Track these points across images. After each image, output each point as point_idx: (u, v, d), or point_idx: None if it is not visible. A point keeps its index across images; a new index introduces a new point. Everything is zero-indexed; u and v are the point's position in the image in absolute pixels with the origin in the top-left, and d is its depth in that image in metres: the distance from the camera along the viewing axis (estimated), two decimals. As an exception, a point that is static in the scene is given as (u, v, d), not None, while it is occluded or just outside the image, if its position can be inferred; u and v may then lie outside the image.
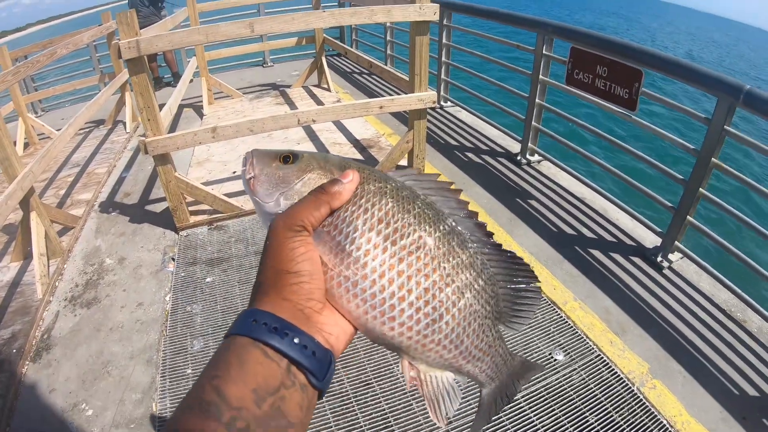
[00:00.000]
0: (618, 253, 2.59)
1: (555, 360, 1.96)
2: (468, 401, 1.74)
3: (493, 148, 3.91)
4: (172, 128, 4.52)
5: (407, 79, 3.12)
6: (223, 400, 0.29)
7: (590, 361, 1.96)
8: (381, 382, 1.88)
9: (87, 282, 2.57)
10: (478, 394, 0.46)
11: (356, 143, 4.03)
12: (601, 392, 1.82)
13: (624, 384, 1.85)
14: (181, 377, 1.96)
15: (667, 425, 1.69)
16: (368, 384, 1.88)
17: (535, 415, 1.73)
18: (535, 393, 1.82)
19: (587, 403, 1.77)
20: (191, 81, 4.85)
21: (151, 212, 3.22)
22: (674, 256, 2.49)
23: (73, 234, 2.98)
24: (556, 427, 1.69)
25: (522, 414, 1.74)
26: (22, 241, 2.68)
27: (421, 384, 0.41)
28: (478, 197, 3.18)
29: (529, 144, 3.56)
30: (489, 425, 1.70)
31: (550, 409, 1.76)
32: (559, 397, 1.80)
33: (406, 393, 1.83)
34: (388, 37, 5.81)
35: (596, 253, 2.60)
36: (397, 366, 1.94)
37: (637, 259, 2.54)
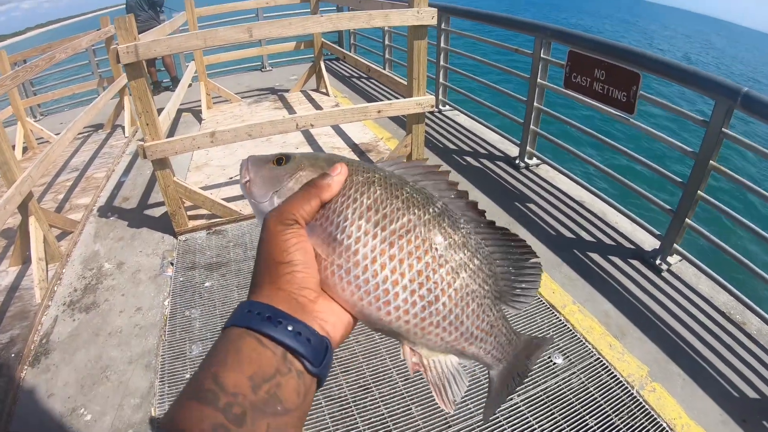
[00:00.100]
0: (617, 256, 2.59)
1: (554, 363, 1.95)
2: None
3: (491, 152, 3.92)
4: (171, 133, 4.54)
5: (405, 83, 3.12)
6: (219, 387, 0.30)
7: (589, 364, 1.95)
8: (380, 387, 1.88)
9: (86, 287, 2.57)
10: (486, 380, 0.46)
11: (355, 147, 4.03)
12: (600, 395, 1.81)
13: (623, 387, 1.84)
14: (179, 382, 1.95)
15: (667, 428, 1.69)
16: (367, 389, 1.87)
17: (534, 419, 1.73)
18: (534, 397, 1.81)
19: (587, 406, 1.77)
20: (190, 85, 4.86)
21: (149, 217, 3.22)
22: (673, 259, 2.50)
23: (72, 238, 2.98)
24: (555, 431, 1.69)
25: (521, 418, 1.74)
26: (20, 245, 2.67)
27: (424, 369, 0.40)
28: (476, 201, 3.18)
29: (528, 147, 3.57)
30: (488, 428, 1.69)
31: (550, 412, 1.75)
32: (558, 400, 1.80)
33: (404, 397, 1.83)
34: (387, 42, 5.82)
35: (595, 256, 2.61)
36: (396, 369, 1.94)
37: (635, 262, 2.54)
